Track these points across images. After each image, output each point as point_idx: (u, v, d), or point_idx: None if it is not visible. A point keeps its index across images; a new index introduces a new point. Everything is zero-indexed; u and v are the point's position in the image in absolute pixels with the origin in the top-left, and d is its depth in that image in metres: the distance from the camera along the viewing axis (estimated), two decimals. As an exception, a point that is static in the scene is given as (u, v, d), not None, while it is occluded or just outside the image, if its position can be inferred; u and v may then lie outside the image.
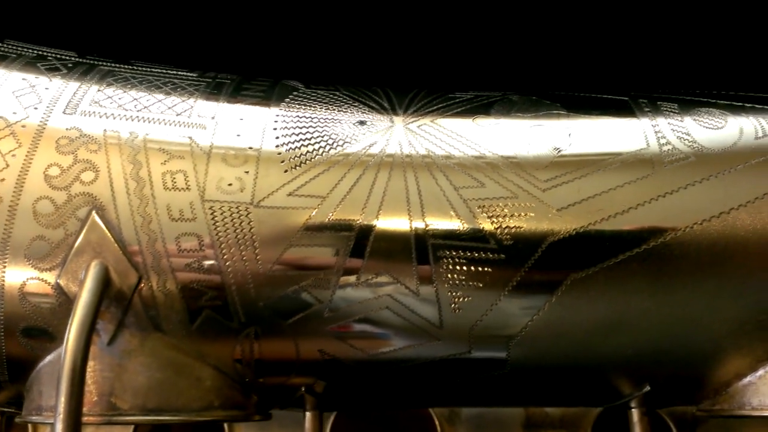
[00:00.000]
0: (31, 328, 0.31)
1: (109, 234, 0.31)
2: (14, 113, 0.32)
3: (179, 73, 0.37)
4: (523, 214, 0.32)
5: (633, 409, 0.36)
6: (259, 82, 0.37)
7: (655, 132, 0.34)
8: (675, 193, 0.32)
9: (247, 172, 0.32)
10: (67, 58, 0.36)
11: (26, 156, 0.31)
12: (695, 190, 0.32)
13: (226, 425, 0.56)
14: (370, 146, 0.33)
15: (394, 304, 0.32)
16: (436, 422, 0.55)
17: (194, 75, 0.37)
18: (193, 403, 0.32)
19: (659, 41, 0.49)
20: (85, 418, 0.29)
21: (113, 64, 0.36)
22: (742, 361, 0.33)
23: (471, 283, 0.32)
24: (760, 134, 0.33)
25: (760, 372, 0.33)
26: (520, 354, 0.33)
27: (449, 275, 0.32)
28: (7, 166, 0.31)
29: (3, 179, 0.31)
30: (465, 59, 0.49)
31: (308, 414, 0.36)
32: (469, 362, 0.33)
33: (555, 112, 0.35)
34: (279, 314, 0.32)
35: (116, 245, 0.31)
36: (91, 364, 0.31)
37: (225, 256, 0.31)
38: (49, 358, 0.32)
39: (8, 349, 0.32)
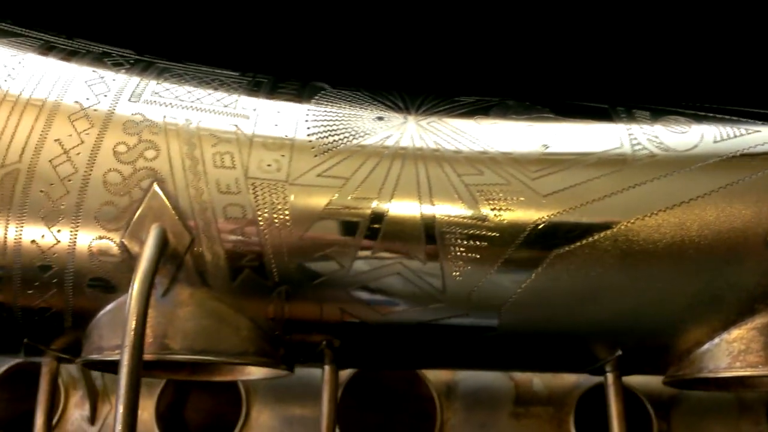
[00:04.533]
0: (97, 281, 0.36)
1: (167, 202, 0.36)
2: (87, 99, 0.38)
3: (223, 72, 0.43)
4: (515, 198, 0.37)
5: (608, 373, 0.41)
6: (291, 83, 0.43)
7: (629, 134, 0.39)
8: (642, 185, 0.37)
9: (283, 156, 0.38)
10: (128, 55, 0.42)
11: (98, 135, 0.37)
12: (659, 183, 0.37)
13: (243, 396, 0.61)
14: (386, 138, 0.39)
15: (404, 271, 0.37)
16: (435, 398, 0.60)
17: (236, 74, 0.43)
18: (232, 348, 0.37)
19: (643, 56, 0.55)
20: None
21: (168, 62, 0.42)
22: (701, 330, 0.38)
23: (469, 255, 0.37)
24: (718, 138, 0.39)
25: (716, 340, 0.38)
26: (509, 319, 0.38)
27: (451, 248, 0.37)
28: (82, 142, 0.36)
29: (78, 153, 0.36)
30: (465, 68, 0.55)
31: (327, 367, 0.41)
32: (468, 324, 0.38)
33: (545, 115, 0.41)
34: (307, 276, 0.37)
35: (173, 212, 0.36)
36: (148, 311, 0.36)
37: (263, 224, 0.37)
38: (109, 307, 0.37)
39: (74, 299, 0.37)
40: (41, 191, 0.35)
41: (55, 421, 0.66)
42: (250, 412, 0.63)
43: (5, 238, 0.35)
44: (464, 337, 0.39)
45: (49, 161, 0.36)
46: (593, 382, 0.61)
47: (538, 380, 0.62)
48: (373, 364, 0.45)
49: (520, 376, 0.63)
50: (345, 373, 0.62)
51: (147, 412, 0.66)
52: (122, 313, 0.36)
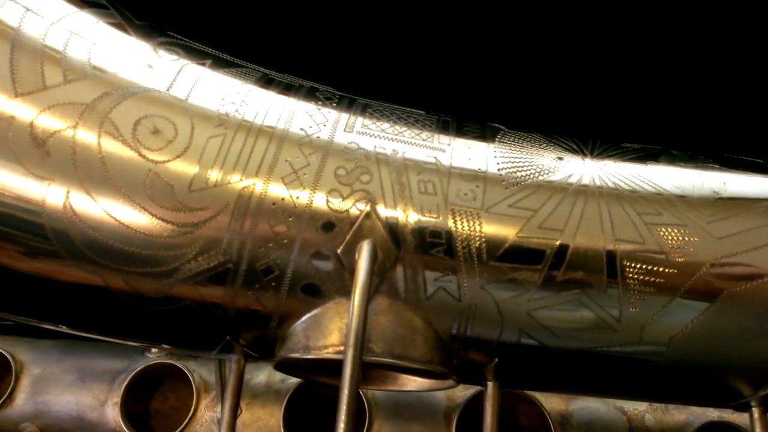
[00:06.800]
0: (309, 287, 0.39)
1: (378, 222, 0.39)
2: (310, 127, 0.41)
3: (413, 111, 0.46)
4: (691, 238, 0.39)
5: (753, 408, 0.42)
6: (472, 123, 0.46)
7: (792, 188, 0.41)
8: (809, 235, 0.39)
9: (477, 186, 0.40)
10: (332, 91, 0.46)
11: (321, 158, 0.40)
12: (825, 234, 0.39)
13: (366, 410, 0.63)
14: (569, 176, 0.41)
15: (584, 299, 0.39)
16: (551, 426, 0.61)
17: (423, 113, 0.46)
18: (423, 356, 0.39)
19: None
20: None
21: (366, 100, 0.46)
22: None
23: (647, 290, 0.39)
24: None
25: None
26: (675, 351, 0.40)
27: (630, 281, 0.39)
28: (308, 164, 0.40)
29: (305, 174, 0.40)
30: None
31: (490, 383, 0.43)
32: (636, 352, 0.40)
33: (710, 165, 0.43)
34: (492, 297, 0.39)
35: (383, 230, 0.39)
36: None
37: (458, 247, 0.39)
38: (316, 311, 0.40)
39: (286, 302, 0.40)
40: (273, 204, 0.39)
41: (186, 420, 0.69)
42: (372, 426, 0.65)
43: (235, 242, 0.39)
44: (628, 365, 0.41)
45: (281, 178, 0.39)
46: (704, 420, 0.61)
47: (650, 416, 0.63)
48: (532, 385, 0.47)
49: (632, 411, 0.63)
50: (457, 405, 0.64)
51: (274, 418, 0.69)
52: (329, 317, 0.40)
